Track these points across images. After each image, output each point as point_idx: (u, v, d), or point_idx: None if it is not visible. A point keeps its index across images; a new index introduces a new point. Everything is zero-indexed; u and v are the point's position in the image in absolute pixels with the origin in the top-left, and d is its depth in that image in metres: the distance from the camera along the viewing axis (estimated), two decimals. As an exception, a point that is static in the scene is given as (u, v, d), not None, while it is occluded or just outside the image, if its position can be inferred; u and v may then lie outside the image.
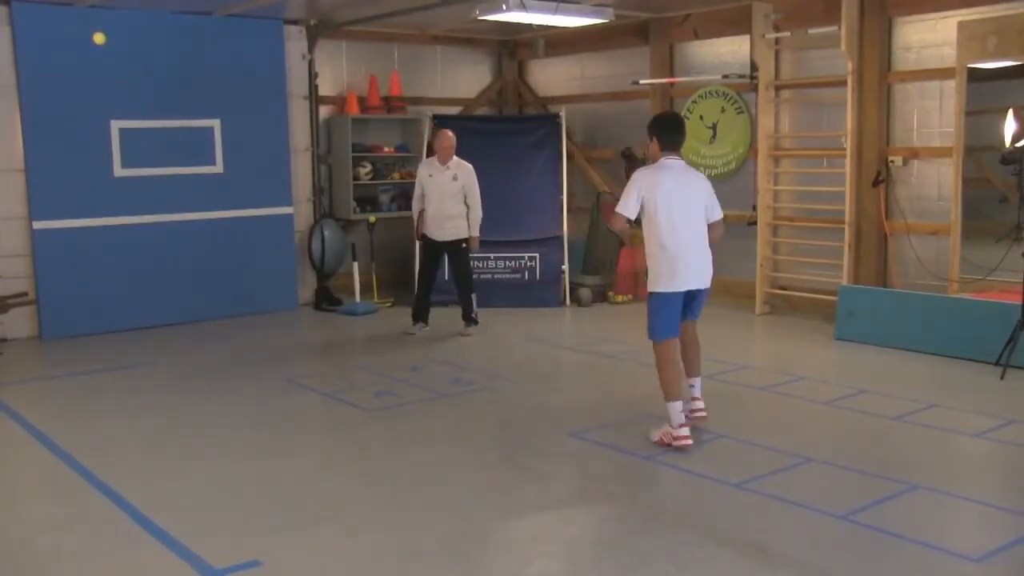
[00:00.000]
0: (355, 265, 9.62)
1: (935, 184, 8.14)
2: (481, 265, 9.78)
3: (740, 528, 4.22)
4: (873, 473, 4.86)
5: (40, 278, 8.44)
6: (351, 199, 10.33)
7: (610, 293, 9.99)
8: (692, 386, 5.65)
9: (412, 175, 10.66)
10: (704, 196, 5.38)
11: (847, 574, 3.80)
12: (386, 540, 4.18)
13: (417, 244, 8.87)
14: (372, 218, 10.19)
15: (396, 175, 10.76)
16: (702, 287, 5.40)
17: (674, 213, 5.24)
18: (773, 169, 9.15)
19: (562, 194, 9.95)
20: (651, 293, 5.36)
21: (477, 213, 8.38)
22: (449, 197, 8.27)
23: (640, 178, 5.31)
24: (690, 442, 5.16)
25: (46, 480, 5.09)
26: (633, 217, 5.35)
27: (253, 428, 5.87)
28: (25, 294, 8.15)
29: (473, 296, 8.60)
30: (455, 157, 8.36)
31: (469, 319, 8.59)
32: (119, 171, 8.73)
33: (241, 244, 9.43)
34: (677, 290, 5.28)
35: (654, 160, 5.43)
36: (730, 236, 9.85)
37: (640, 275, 10.13)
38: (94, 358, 7.78)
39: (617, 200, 5.45)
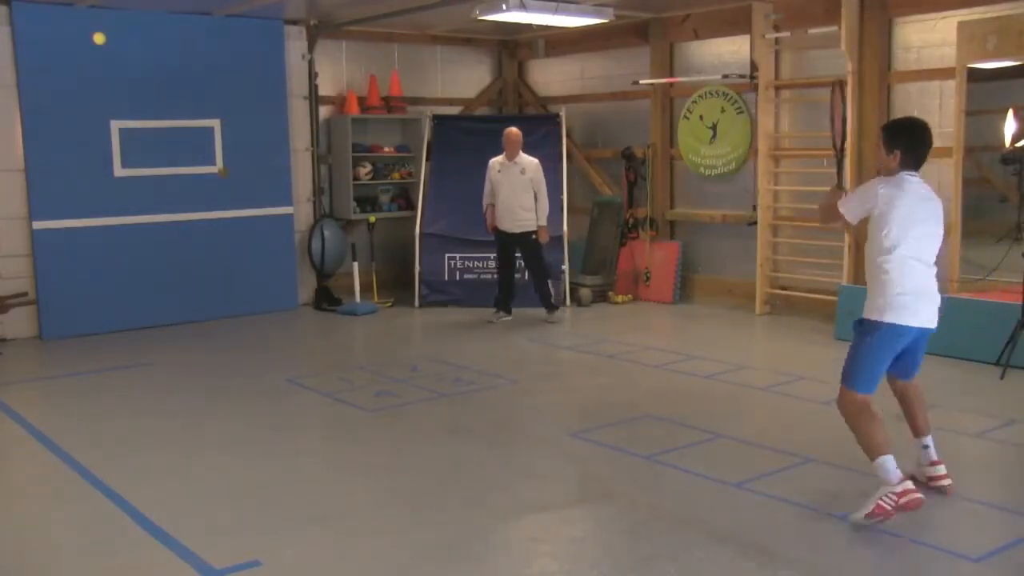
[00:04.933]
0: (355, 265, 9.63)
1: (935, 184, 8.01)
2: (481, 265, 9.79)
3: (740, 528, 4.21)
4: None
5: (40, 278, 8.44)
6: (351, 199, 10.33)
7: (610, 293, 9.99)
8: (927, 447, 4.66)
9: (412, 175, 10.71)
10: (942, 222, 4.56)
11: (847, 574, 3.80)
12: (386, 540, 4.18)
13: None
14: (372, 218, 10.20)
15: (396, 175, 10.77)
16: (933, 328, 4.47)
17: (923, 242, 4.41)
18: (773, 169, 9.15)
19: (562, 194, 9.95)
20: (869, 323, 4.37)
21: (545, 204, 8.85)
22: (519, 190, 8.73)
23: (876, 186, 4.40)
24: (921, 496, 4.17)
25: (46, 480, 5.09)
26: (854, 222, 4.47)
27: (253, 428, 5.87)
28: (25, 294, 8.12)
29: (550, 283, 9.03)
30: (521, 152, 8.81)
31: (550, 306, 8.96)
32: (119, 171, 8.73)
33: (241, 244, 9.43)
34: (911, 324, 4.33)
35: (888, 174, 4.47)
36: (730, 236, 9.96)
37: (640, 275, 10.15)
38: (94, 358, 7.79)
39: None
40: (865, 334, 4.35)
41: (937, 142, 7.91)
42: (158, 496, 4.69)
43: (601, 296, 9.96)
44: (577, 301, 9.79)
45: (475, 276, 9.86)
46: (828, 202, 4.60)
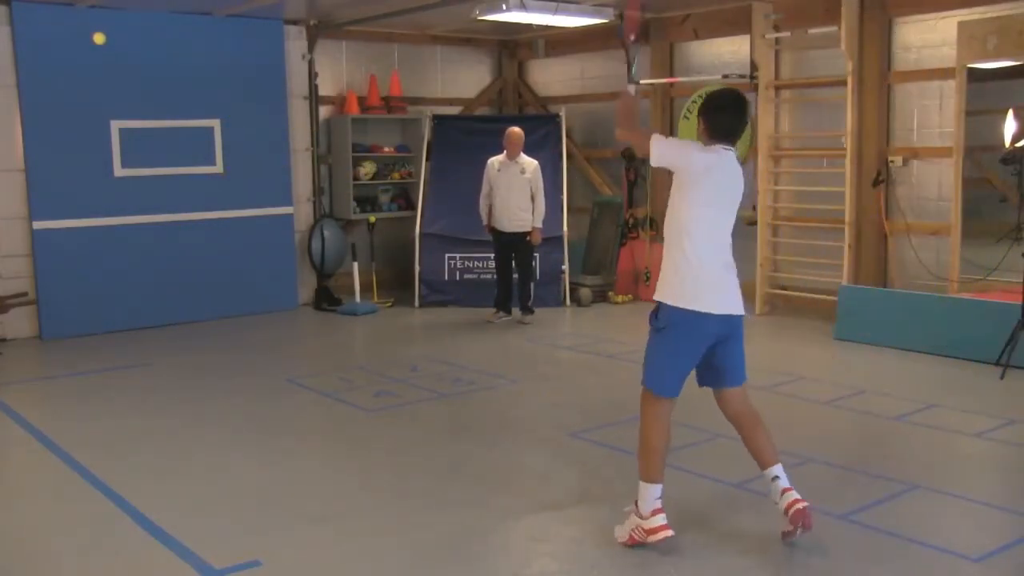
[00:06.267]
0: (355, 265, 9.63)
1: (935, 184, 8.14)
2: (481, 265, 9.79)
3: (740, 528, 4.22)
4: (873, 473, 4.86)
5: (40, 278, 8.44)
6: (351, 199, 10.33)
7: (610, 293, 9.99)
8: (776, 478, 4.03)
9: (412, 175, 10.71)
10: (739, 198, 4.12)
11: (847, 574, 3.80)
12: (386, 540, 4.18)
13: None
14: (372, 218, 10.20)
15: (396, 175, 10.77)
16: (737, 313, 4.09)
17: (723, 212, 4.07)
18: (773, 169, 9.15)
19: (562, 194, 9.96)
20: (661, 304, 4.00)
21: (541, 207, 8.87)
22: (517, 190, 8.75)
23: (703, 150, 4.00)
24: (671, 532, 3.92)
25: (46, 480, 5.09)
26: (655, 164, 3.99)
27: (253, 428, 5.87)
28: (25, 294, 8.14)
29: (532, 286, 9.07)
30: (522, 153, 8.83)
31: (527, 309, 8.99)
32: (119, 171, 8.73)
33: (241, 244, 9.43)
34: (707, 311, 3.95)
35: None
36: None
37: (640, 275, 10.15)
38: (94, 358, 7.78)
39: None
40: (661, 323, 3.99)
41: (937, 142, 8.05)
42: (158, 496, 4.69)
43: (601, 296, 9.96)
44: (577, 301, 9.79)
45: (475, 276, 9.86)
46: (630, 112, 4.12)
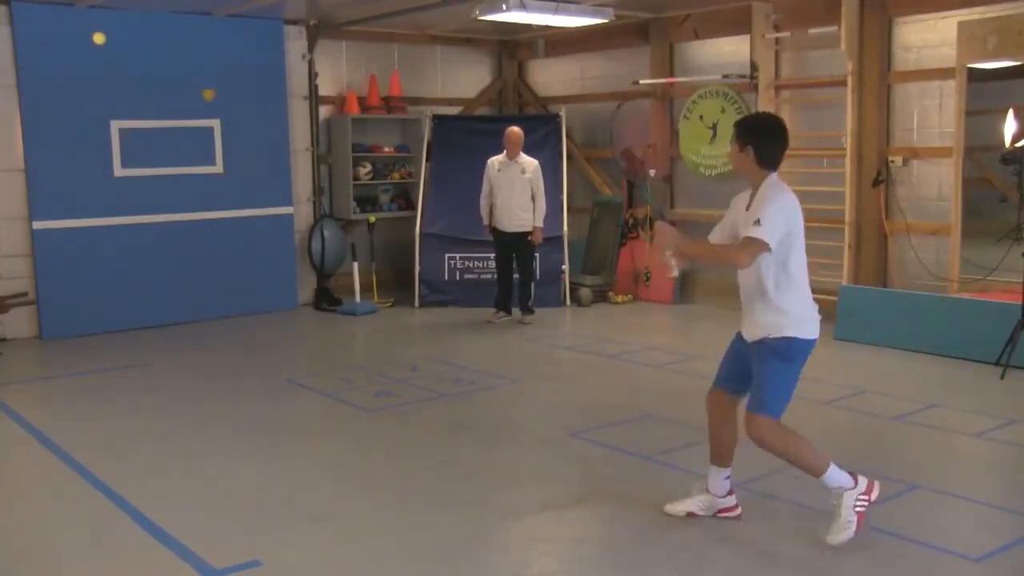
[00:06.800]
0: (355, 265, 9.63)
1: (935, 184, 8.13)
2: (481, 265, 9.79)
3: (740, 528, 4.22)
4: (873, 473, 4.84)
5: (40, 278, 8.44)
6: (351, 199, 10.33)
7: (610, 293, 9.99)
8: (728, 477, 4.34)
9: (412, 175, 10.71)
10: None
11: (847, 574, 3.80)
12: (386, 540, 4.18)
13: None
14: (372, 218, 10.20)
15: (396, 175, 10.77)
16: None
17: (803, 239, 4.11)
18: (773, 169, 9.14)
19: (562, 194, 9.96)
20: (791, 339, 4.01)
21: (542, 207, 8.88)
22: (518, 190, 8.77)
23: (789, 199, 4.04)
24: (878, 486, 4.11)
25: (46, 480, 5.09)
26: (779, 242, 3.93)
27: (253, 428, 5.87)
28: (25, 294, 8.09)
29: (532, 286, 9.08)
30: (522, 152, 8.85)
31: (527, 309, 9.00)
32: (119, 171, 8.73)
33: (241, 244, 9.43)
34: (818, 335, 4.10)
35: (746, 174, 4.32)
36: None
37: (640, 275, 10.15)
38: (94, 358, 7.78)
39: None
40: (793, 355, 4.04)
41: (937, 142, 8.05)
42: (158, 496, 4.69)
43: (601, 296, 9.96)
44: (577, 301, 9.79)
45: (475, 276, 9.86)
46: (727, 250, 4.13)
